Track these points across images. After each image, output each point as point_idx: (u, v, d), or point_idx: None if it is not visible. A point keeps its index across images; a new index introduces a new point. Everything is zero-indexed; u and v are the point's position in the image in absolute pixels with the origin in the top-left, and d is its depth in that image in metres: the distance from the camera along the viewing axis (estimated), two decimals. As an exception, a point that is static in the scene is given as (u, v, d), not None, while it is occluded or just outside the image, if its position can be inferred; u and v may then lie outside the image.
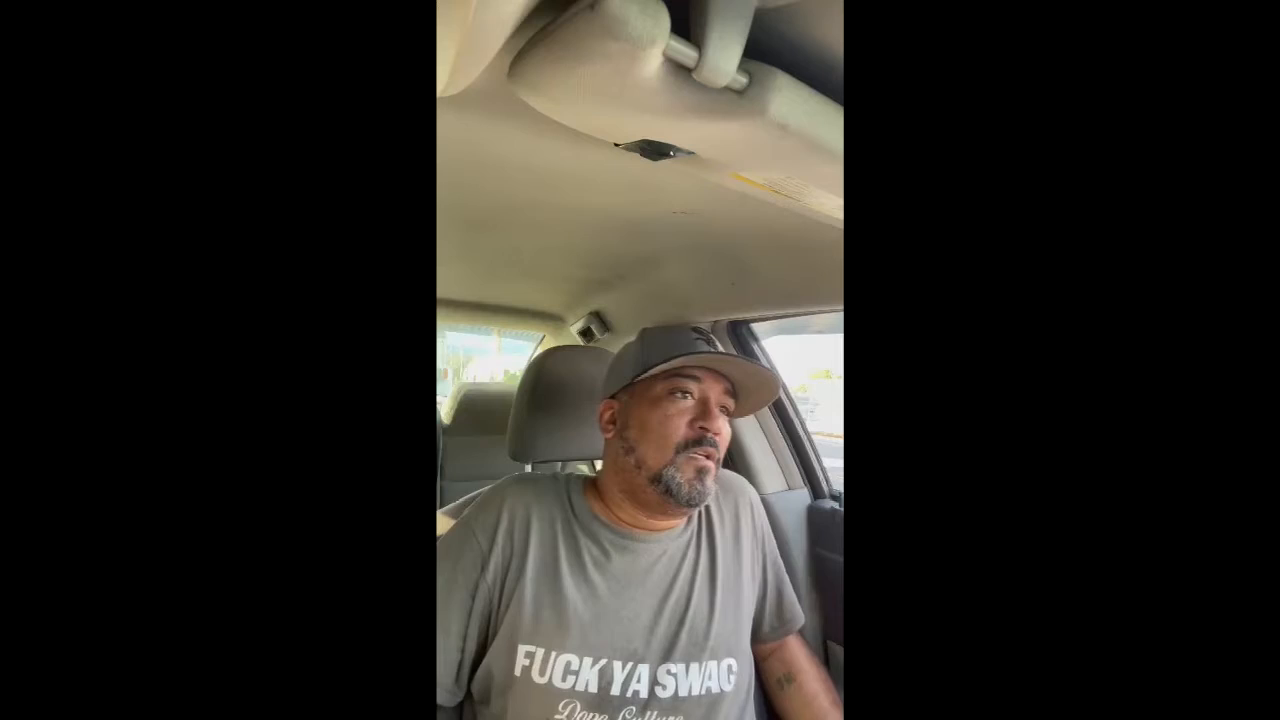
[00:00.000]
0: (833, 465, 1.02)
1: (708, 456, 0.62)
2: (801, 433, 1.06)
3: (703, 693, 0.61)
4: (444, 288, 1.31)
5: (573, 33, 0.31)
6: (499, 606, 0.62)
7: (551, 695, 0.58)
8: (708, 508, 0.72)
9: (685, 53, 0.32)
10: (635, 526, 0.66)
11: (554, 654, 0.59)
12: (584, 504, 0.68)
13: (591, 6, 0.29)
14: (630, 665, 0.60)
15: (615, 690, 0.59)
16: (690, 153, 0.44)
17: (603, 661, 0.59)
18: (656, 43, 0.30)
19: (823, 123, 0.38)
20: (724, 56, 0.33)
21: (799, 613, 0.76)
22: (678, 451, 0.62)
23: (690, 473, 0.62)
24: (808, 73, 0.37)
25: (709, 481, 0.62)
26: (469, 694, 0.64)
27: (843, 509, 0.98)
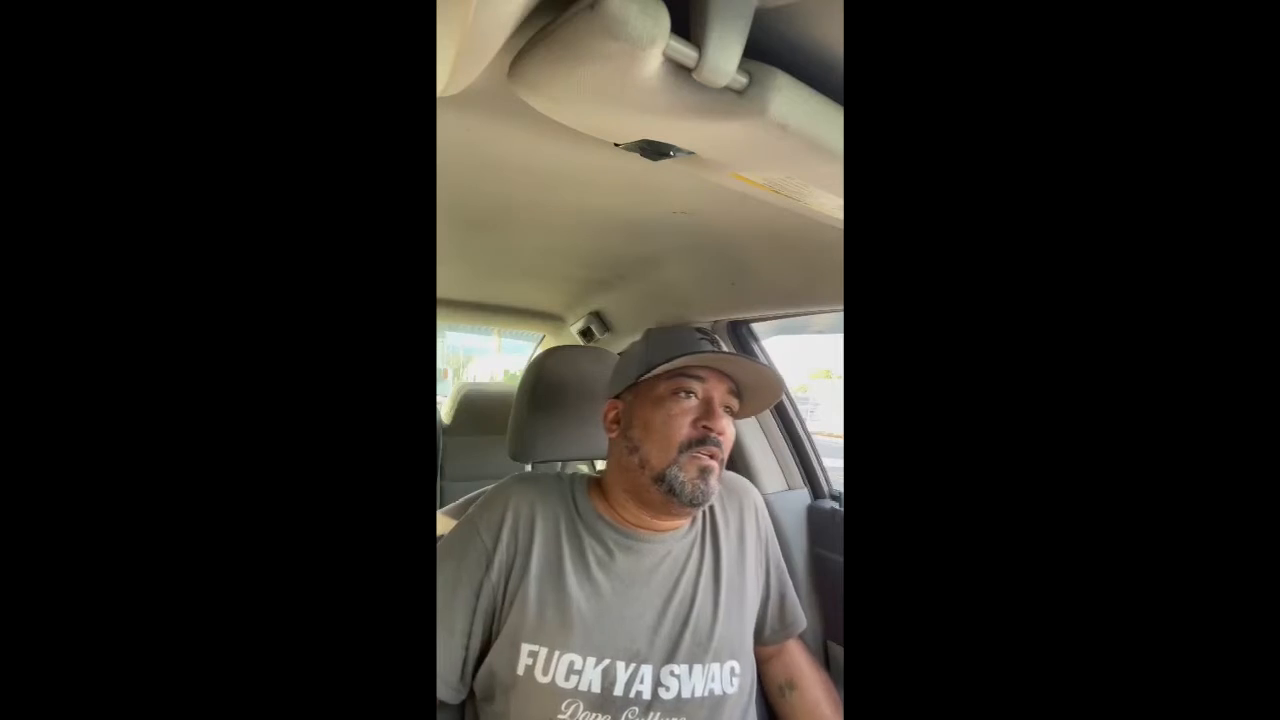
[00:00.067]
0: (833, 465, 1.02)
1: (711, 456, 0.62)
2: (801, 433, 1.06)
3: (705, 694, 0.61)
4: (444, 288, 1.31)
5: (573, 33, 0.31)
6: (503, 604, 0.62)
7: (554, 695, 0.58)
8: (712, 509, 0.72)
9: (685, 53, 0.32)
10: (639, 527, 0.66)
11: (557, 653, 0.59)
12: (588, 504, 0.68)
13: (591, 6, 0.29)
14: (633, 666, 0.60)
15: (618, 691, 0.59)
16: (690, 153, 0.44)
17: (606, 662, 0.59)
18: (656, 43, 0.30)
19: (823, 123, 0.38)
20: (724, 56, 0.33)
21: (801, 616, 0.76)
22: (681, 451, 0.62)
23: (693, 472, 0.62)
24: (808, 73, 0.37)
25: (712, 481, 0.62)
26: (471, 692, 0.64)
27: (843, 509, 0.98)
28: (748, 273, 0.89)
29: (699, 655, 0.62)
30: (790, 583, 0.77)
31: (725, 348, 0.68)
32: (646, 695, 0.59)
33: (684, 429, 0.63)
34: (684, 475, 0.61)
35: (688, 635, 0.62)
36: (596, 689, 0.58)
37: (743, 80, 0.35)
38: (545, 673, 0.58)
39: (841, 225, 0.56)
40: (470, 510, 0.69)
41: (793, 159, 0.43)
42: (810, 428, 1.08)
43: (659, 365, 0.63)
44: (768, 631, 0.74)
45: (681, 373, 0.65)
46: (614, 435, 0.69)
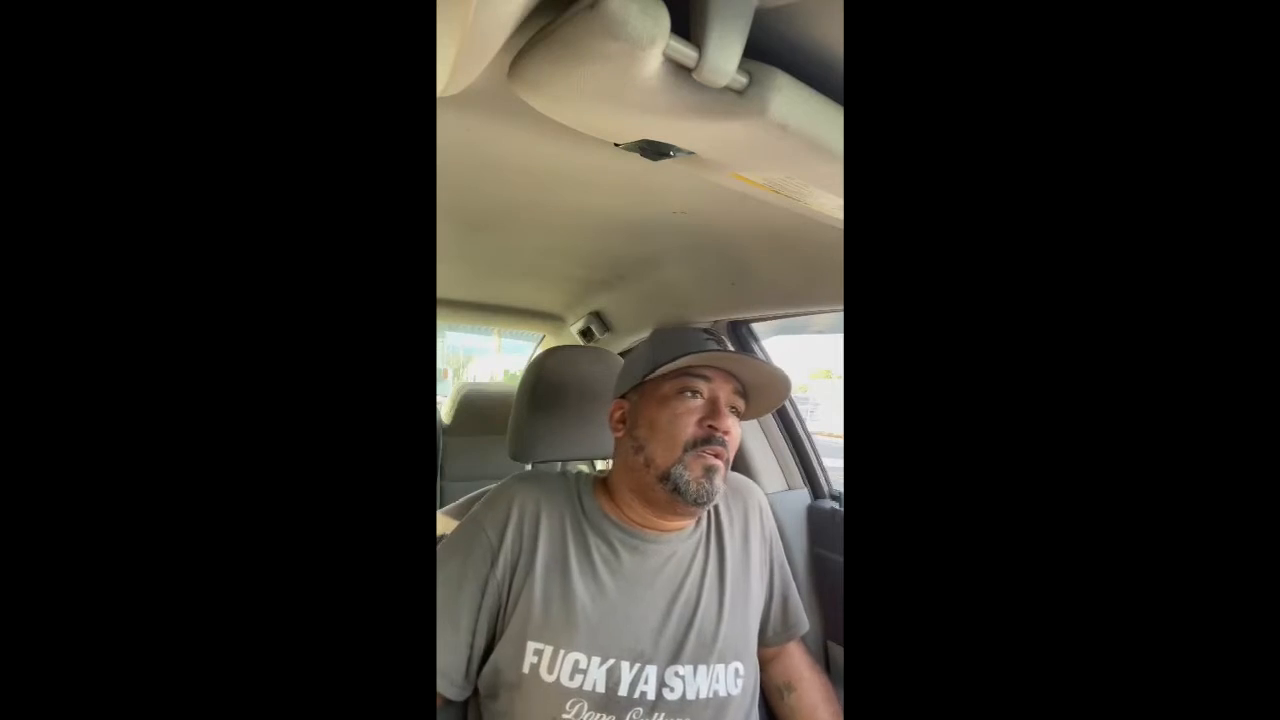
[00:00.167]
0: (833, 465, 1.02)
1: (716, 456, 0.62)
2: (801, 433, 1.06)
3: (710, 696, 0.61)
4: (444, 288, 1.31)
5: (573, 33, 0.31)
6: (508, 601, 0.62)
7: (559, 694, 0.58)
8: (717, 510, 0.72)
9: (685, 53, 0.32)
10: (645, 526, 0.66)
11: (562, 652, 0.59)
12: (594, 503, 0.68)
13: (591, 6, 0.29)
14: (638, 666, 0.60)
15: (623, 691, 0.59)
16: (690, 153, 0.44)
17: (610, 661, 0.59)
18: (656, 43, 0.30)
19: (823, 123, 0.38)
20: (724, 56, 0.33)
21: (803, 618, 0.76)
22: (686, 450, 0.62)
23: (698, 471, 0.62)
24: (808, 73, 0.37)
25: (717, 481, 0.62)
26: (475, 690, 0.63)
27: (843, 509, 0.98)
28: (748, 273, 0.89)
29: (704, 656, 0.62)
30: (793, 584, 0.77)
31: (730, 348, 0.68)
32: (651, 696, 0.59)
33: (689, 428, 0.63)
34: (689, 474, 0.61)
35: (692, 636, 0.62)
36: (601, 689, 0.58)
37: (743, 80, 0.35)
38: (550, 671, 0.58)
39: (841, 225, 0.56)
40: (475, 508, 0.69)
41: (793, 159, 0.43)
42: (810, 428, 1.09)
43: (664, 365, 0.63)
44: (770, 633, 0.74)
45: (687, 372, 0.65)
46: (620, 435, 0.69)
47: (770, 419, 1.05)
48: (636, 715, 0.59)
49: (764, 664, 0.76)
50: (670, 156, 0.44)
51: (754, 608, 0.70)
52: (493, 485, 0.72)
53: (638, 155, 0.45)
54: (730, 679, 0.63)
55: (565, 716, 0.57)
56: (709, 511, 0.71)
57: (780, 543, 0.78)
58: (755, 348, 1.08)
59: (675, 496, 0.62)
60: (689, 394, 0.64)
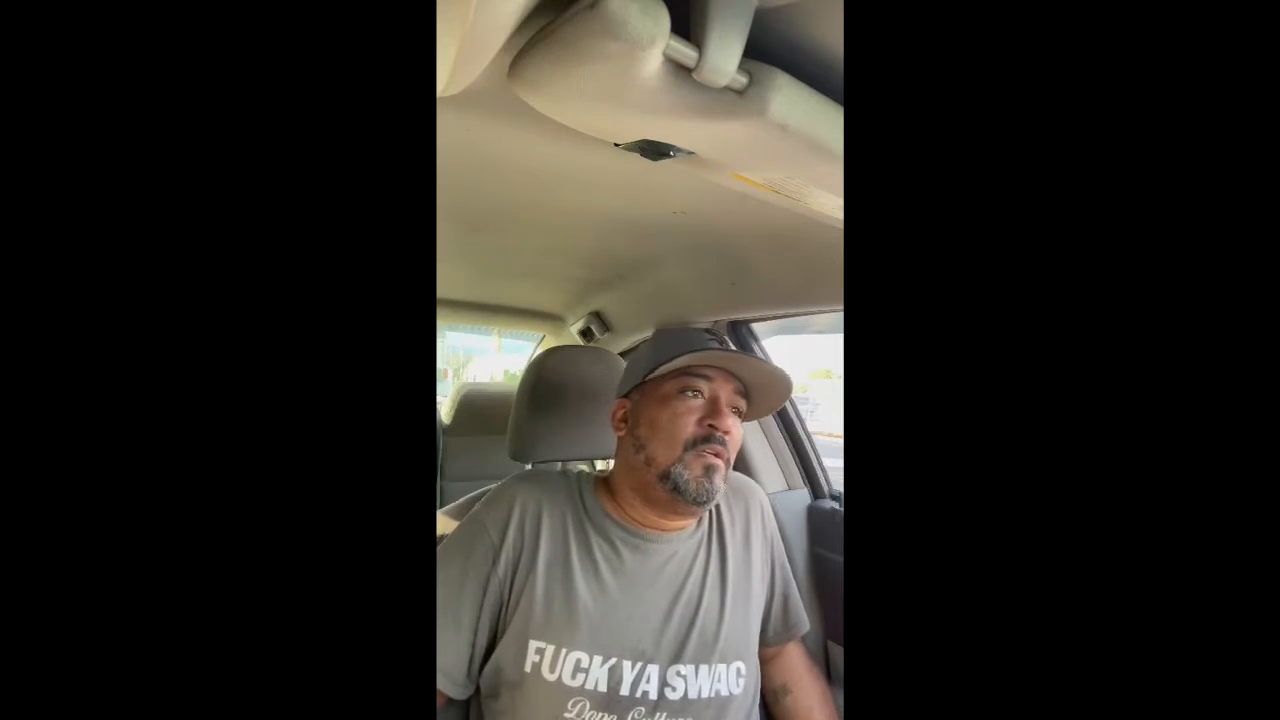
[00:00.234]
0: (833, 465, 1.02)
1: (716, 455, 0.62)
2: (801, 433, 1.06)
3: (712, 695, 0.61)
4: (444, 288, 1.31)
5: (573, 33, 0.31)
6: (509, 600, 0.62)
7: (561, 693, 0.58)
8: (718, 510, 0.72)
9: (685, 53, 0.32)
10: (646, 526, 0.66)
11: (564, 651, 0.58)
12: (596, 502, 0.68)
13: (591, 6, 0.29)
14: (640, 665, 0.60)
15: (624, 690, 0.59)
16: (690, 153, 0.44)
17: (612, 660, 0.59)
18: (656, 43, 0.30)
19: (823, 123, 0.38)
20: (724, 56, 0.33)
21: (804, 618, 0.76)
22: (686, 449, 0.62)
23: (698, 470, 0.61)
24: (808, 73, 0.37)
25: (717, 480, 0.62)
26: (478, 689, 0.63)
27: (843, 509, 0.98)
28: (748, 273, 0.89)
29: (705, 656, 0.62)
30: (794, 584, 0.77)
31: (732, 348, 0.68)
32: (653, 695, 0.59)
33: (689, 427, 0.63)
34: (689, 473, 0.61)
35: (694, 636, 0.62)
36: (603, 688, 0.58)
37: (743, 80, 0.35)
38: (552, 670, 0.58)
39: (841, 225, 0.56)
40: (476, 507, 0.69)
41: (793, 159, 0.43)
42: (810, 428, 1.09)
43: (665, 364, 0.63)
44: (770, 632, 0.74)
45: (688, 372, 0.65)
46: (621, 434, 0.70)
47: (770, 419, 1.05)
48: (638, 715, 0.59)
49: (763, 664, 0.75)
50: (670, 156, 0.44)
51: (755, 607, 0.70)
52: (493, 485, 0.72)
53: (638, 155, 0.45)
54: (732, 678, 0.63)
55: (567, 715, 0.57)
56: (710, 511, 0.71)
57: (781, 543, 0.77)
58: (755, 348, 1.08)
59: (675, 495, 0.62)
60: (690, 393, 0.64)
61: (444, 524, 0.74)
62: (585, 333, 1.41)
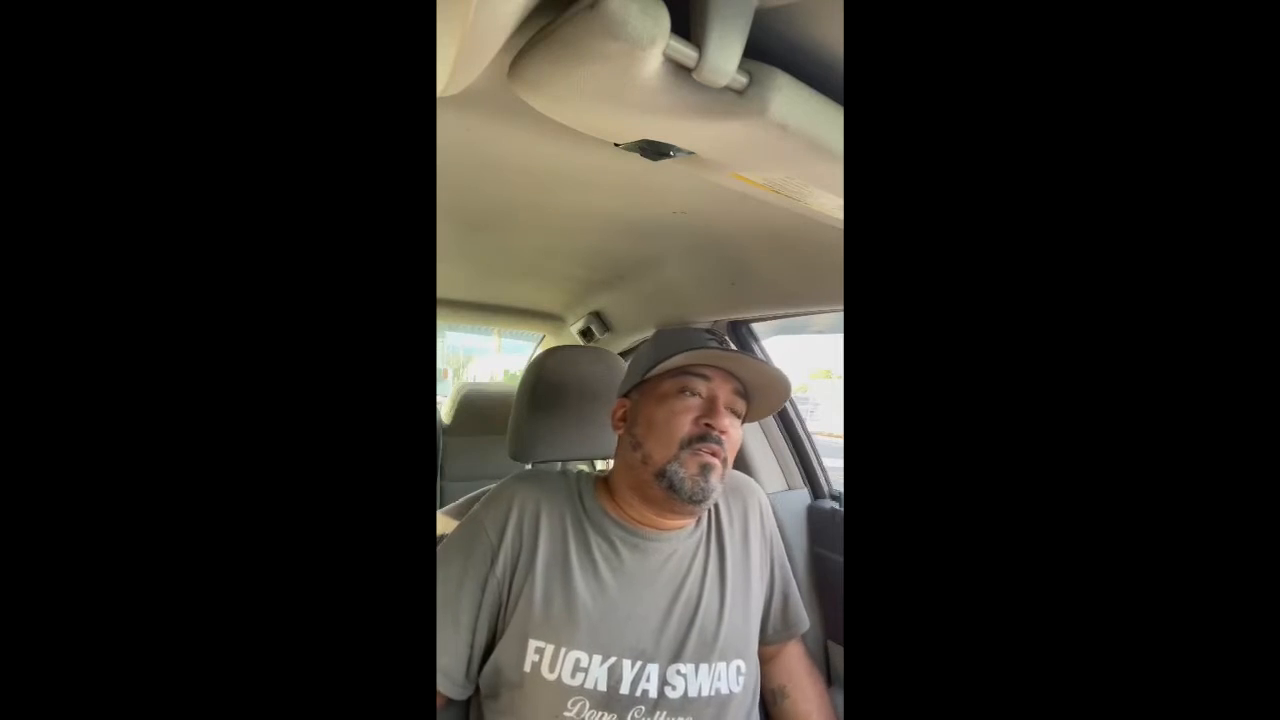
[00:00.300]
0: (833, 465, 1.02)
1: (713, 454, 0.62)
2: (801, 433, 1.06)
3: (712, 694, 0.61)
4: (444, 288, 1.31)
5: (573, 33, 0.31)
6: (508, 600, 0.62)
7: (560, 692, 0.58)
8: (717, 508, 0.72)
9: (685, 53, 0.32)
10: (645, 525, 0.66)
11: (563, 650, 0.59)
12: (595, 501, 0.68)
13: (591, 6, 0.29)
14: (639, 664, 0.60)
15: (624, 689, 0.59)
16: (690, 153, 0.44)
17: (612, 659, 0.59)
18: (656, 43, 0.30)
19: (823, 123, 0.38)
20: (724, 56, 0.33)
21: (804, 616, 0.76)
22: (681, 447, 0.62)
23: (693, 468, 0.61)
24: (808, 73, 0.37)
25: (713, 479, 0.62)
26: (477, 690, 0.63)
27: (843, 509, 0.98)
28: (748, 273, 0.89)
29: (705, 654, 0.62)
30: (794, 583, 0.77)
31: (732, 349, 0.68)
32: (653, 694, 0.59)
33: (685, 425, 0.63)
34: (684, 471, 0.61)
35: (694, 634, 0.62)
36: (603, 687, 0.58)
37: (743, 80, 0.35)
38: (551, 670, 0.58)
39: (841, 225, 0.56)
40: (475, 508, 0.69)
41: (793, 159, 0.43)
42: (810, 428, 1.09)
43: (664, 362, 0.63)
44: (770, 631, 0.74)
45: (687, 371, 0.65)
46: (620, 433, 0.70)
47: (770, 419, 1.05)
48: (638, 713, 0.59)
49: (762, 663, 0.75)
50: (670, 156, 0.44)
51: (755, 605, 0.70)
52: (493, 485, 0.72)
53: (638, 155, 0.45)
54: (732, 677, 0.63)
55: (567, 715, 0.57)
56: (709, 510, 0.71)
57: (780, 541, 0.77)
58: (755, 348, 1.08)
59: (671, 494, 0.62)
60: (688, 393, 0.64)
61: (444, 524, 0.74)
62: (585, 333, 1.41)
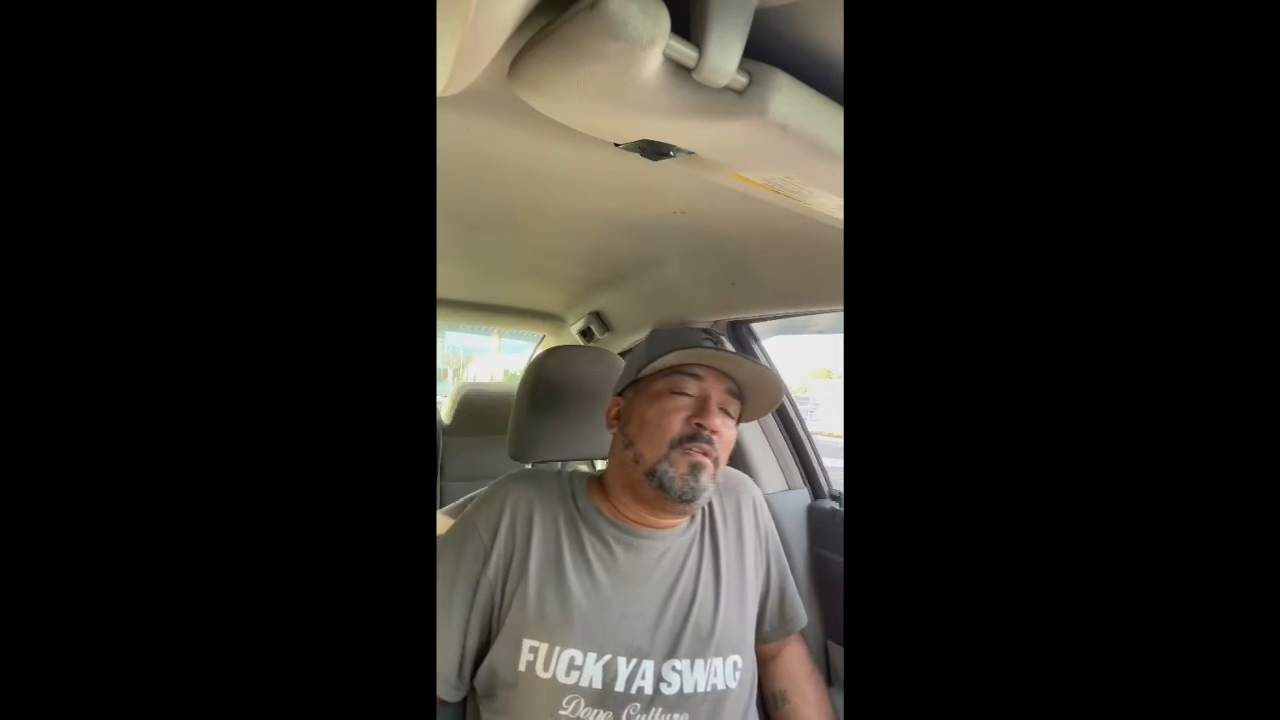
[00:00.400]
0: (833, 465, 1.02)
1: (704, 454, 0.62)
2: (801, 433, 1.06)
3: (708, 690, 0.61)
4: (444, 288, 1.31)
5: (573, 33, 0.31)
6: (501, 601, 0.62)
7: (555, 690, 0.58)
8: (711, 506, 0.72)
9: (685, 53, 0.32)
10: (639, 523, 0.66)
11: (558, 649, 0.59)
12: (588, 500, 0.68)
13: (591, 6, 0.29)
14: (634, 661, 0.60)
15: (619, 686, 0.59)
16: (690, 153, 0.44)
17: (607, 657, 0.59)
18: (656, 43, 0.30)
19: (823, 123, 0.38)
20: (724, 56, 0.33)
21: (801, 613, 0.76)
22: (672, 446, 0.62)
23: (684, 468, 0.62)
24: (808, 73, 0.37)
25: (704, 479, 0.62)
26: (473, 690, 0.64)
27: (843, 509, 0.98)
28: (748, 273, 0.89)
29: (701, 650, 0.62)
30: (791, 579, 0.77)
31: (729, 348, 0.68)
32: (648, 691, 0.59)
33: (676, 425, 0.63)
34: (674, 471, 0.61)
35: (689, 630, 0.62)
36: (598, 685, 0.58)
37: (743, 80, 0.35)
38: (546, 668, 0.58)
39: (841, 225, 0.56)
40: (468, 508, 0.69)
41: (793, 159, 0.43)
42: (810, 428, 1.09)
43: (657, 361, 0.63)
44: (768, 627, 0.74)
45: (680, 371, 0.65)
46: (614, 431, 0.70)
47: (770, 419, 1.05)
48: (634, 710, 0.59)
49: (763, 664, 0.75)
50: (670, 156, 0.44)
51: (750, 601, 0.70)
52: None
53: (638, 155, 0.45)
54: (728, 672, 0.63)
55: (562, 713, 0.58)
56: (704, 507, 0.71)
57: (777, 537, 0.77)
58: (755, 348, 1.08)
59: (661, 493, 0.62)
60: (679, 392, 0.64)
61: (444, 524, 0.74)
62: (585, 333, 1.41)
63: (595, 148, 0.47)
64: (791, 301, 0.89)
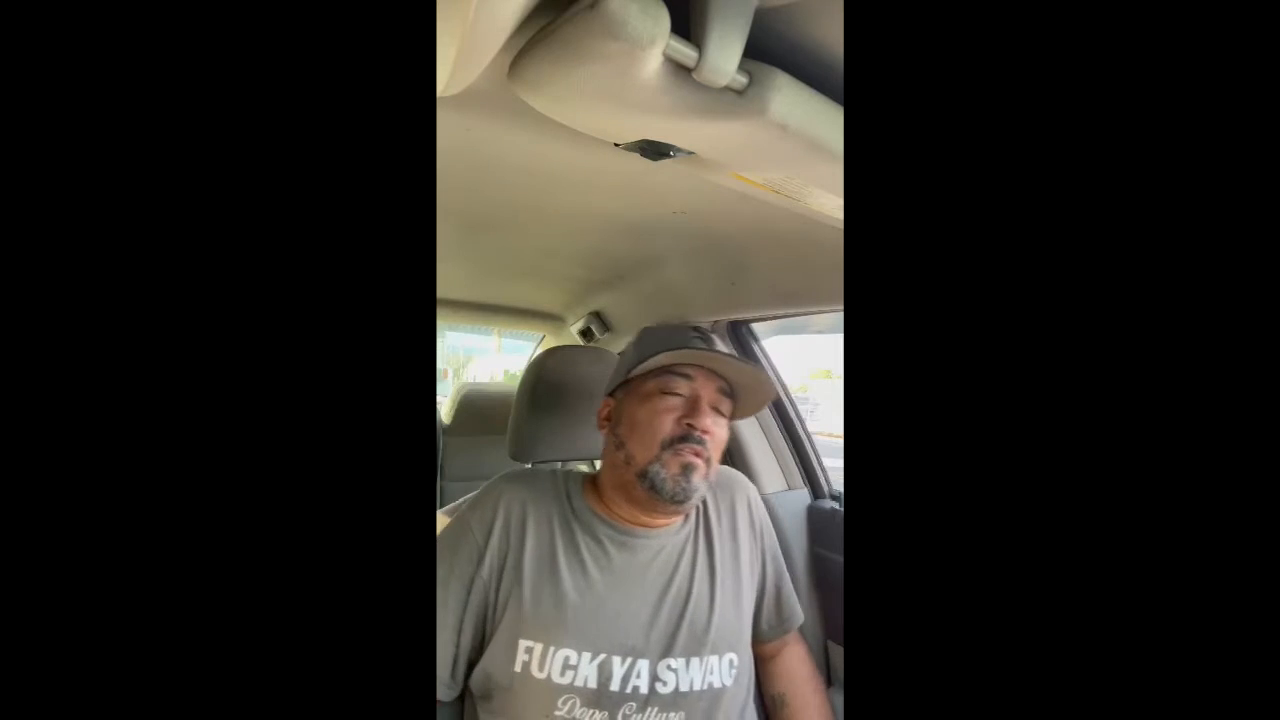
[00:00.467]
0: (833, 465, 1.02)
1: (695, 454, 0.62)
2: (801, 433, 1.06)
3: (704, 688, 0.61)
4: (444, 288, 1.31)
5: (573, 33, 0.31)
6: (495, 601, 0.62)
7: (551, 691, 0.58)
8: (705, 504, 0.72)
9: (685, 53, 0.32)
10: (632, 523, 0.66)
11: (552, 648, 0.59)
12: (582, 501, 0.68)
13: (591, 6, 0.29)
14: (630, 661, 0.60)
15: (614, 686, 0.59)
16: (690, 153, 0.44)
17: (601, 656, 0.59)
18: (656, 43, 0.30)
19: (823, 123, 0.38)
20: (724, 56, 0.33)
21: (798, 611, 0.76)
22: (664, 448, 0.62)
23: (675, 469, 0.61)
24: (808, 73, 0.37)
25: (695, 479, 0.62)
26: (470, 691, 0.64)
27: (843, 509, 0.98)
28: (748, 273, 0.89)
29: (696, 648, 0.62)
30: (788, 576, 0.77)
31: (722, 346, 0.68)
32: (644, 690, 0.59)
33: (667, 426, 0.63)
34: (665, 472, 0.61)
35: (684, 628, 0.62)
36: (593, 684, 0.58)
37: (743, 80, 0.35)
38: (541, 669, 0.58)
39: (841, 225, 0.56)
40: (462, 508, 0.69)
41: (793, 159, 0.43)
42: (810, 428, 1.08)
43: (646, 362, 0.63)
44: (765, 625, 0.74)
45: (670, 371, 0.65)
46: (605, 432, 0.70)
47: (770, 419, 1.05)
48: (630, 710, 0.59)
49: (762, 664, 0.75)
50: (670, 156, 0.44)
51: (746, 599, 0.70)
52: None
53: (638, 155, 0.45)
54: (724, 670, 0.63)
55: (558, 714, 0.58)
56: (698, 506, 0.71)
57: (773, 534, 0.77)
58: (755, 348, 1.08)
59: (653, 494, 0.62)
60: (670, 392, 0.64)
61: (443, 524, 0.74)
62: (585, 333, 1.41)
63: (595, 148, 0.47)
64: (791, 301, 0.89)
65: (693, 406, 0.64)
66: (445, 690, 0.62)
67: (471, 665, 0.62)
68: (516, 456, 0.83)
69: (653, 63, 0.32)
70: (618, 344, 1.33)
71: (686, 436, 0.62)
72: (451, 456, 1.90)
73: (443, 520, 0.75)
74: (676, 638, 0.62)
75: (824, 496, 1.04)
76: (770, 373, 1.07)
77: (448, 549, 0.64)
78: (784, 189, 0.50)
